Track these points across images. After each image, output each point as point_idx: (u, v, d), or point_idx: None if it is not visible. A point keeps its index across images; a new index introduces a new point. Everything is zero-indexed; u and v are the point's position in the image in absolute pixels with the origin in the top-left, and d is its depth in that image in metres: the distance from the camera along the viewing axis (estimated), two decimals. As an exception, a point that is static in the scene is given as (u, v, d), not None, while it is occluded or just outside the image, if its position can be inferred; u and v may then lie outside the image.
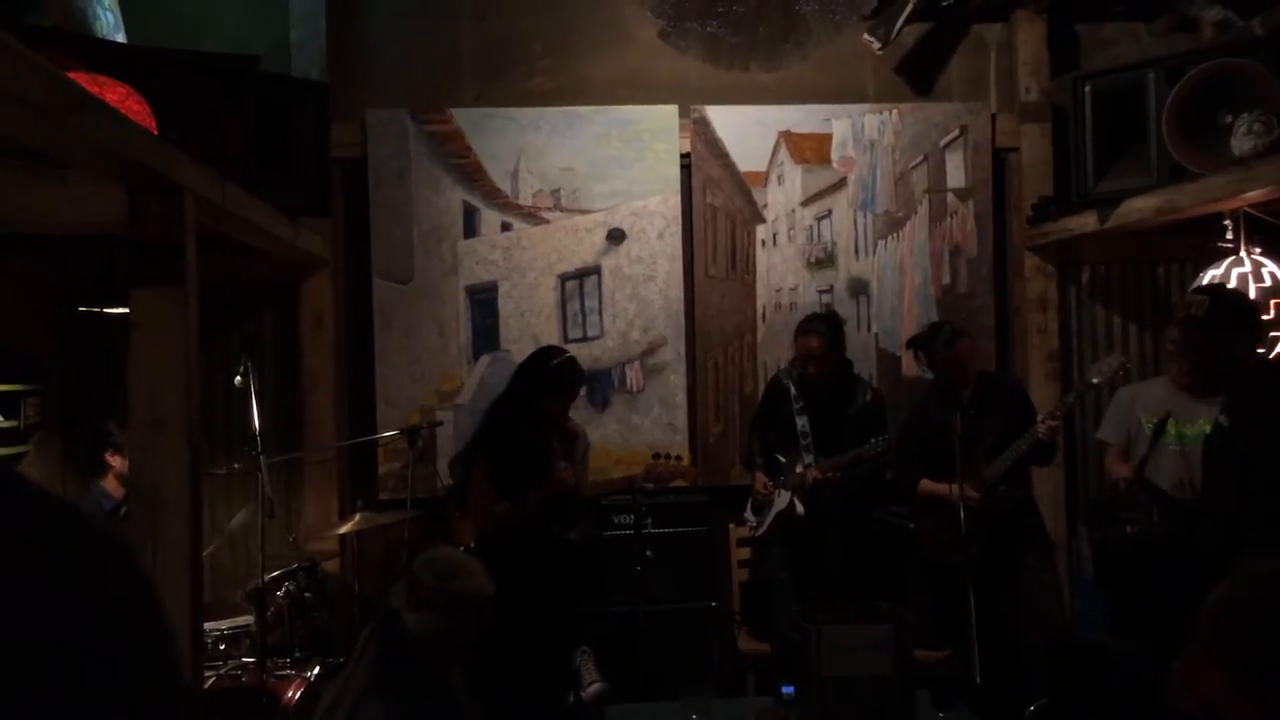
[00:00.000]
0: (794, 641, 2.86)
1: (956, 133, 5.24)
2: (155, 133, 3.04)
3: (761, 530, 4.55)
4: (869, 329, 5.19)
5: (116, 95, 3.01)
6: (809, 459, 4.38)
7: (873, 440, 4.24)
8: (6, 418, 4.36)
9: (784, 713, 2.75)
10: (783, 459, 4.47)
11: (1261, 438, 3.07)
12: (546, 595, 3.73)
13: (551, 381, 3.96)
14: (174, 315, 2.92)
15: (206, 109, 3.60)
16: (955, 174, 5.25)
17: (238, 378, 3.89)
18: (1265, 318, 3.85)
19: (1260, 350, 3.40)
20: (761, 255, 5.23)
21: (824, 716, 2.61)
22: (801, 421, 4.44)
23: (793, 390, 4.49)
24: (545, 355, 4.07)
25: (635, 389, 5.16)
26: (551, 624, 3.77)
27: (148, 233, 2.90)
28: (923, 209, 5.25)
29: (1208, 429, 3.42)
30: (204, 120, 3.56)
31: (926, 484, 4.32)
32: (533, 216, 5.13)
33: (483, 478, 3.92)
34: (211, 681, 3.81)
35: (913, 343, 4.55)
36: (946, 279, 5.24)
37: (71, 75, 2.51)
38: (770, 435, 4.60)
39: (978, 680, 3.34)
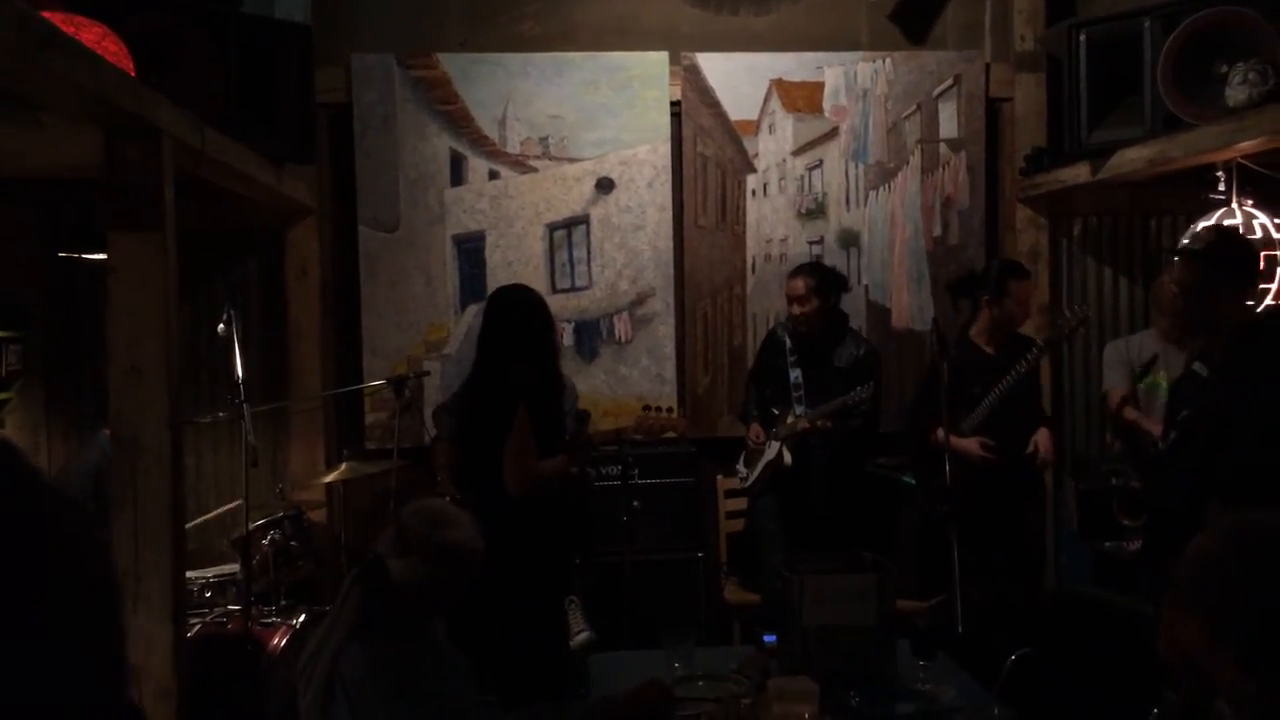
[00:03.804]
0: (778, 591, 2.86)
1: (950, 82, 5.18)
2: (133, 75, 2.98)
3: (750, 481, 4.55)
4: (859, 280, 5.17)
5: (92, 35, 2.95)
6: (800, 410, 4.38)
7: (857, 388, 4.23)
8: (-12, 365, 4.34)
9: (765, 661, 2.75)
10: (776, 412, 4.47)
11: (1244, 390, 3.07)
12: (534, 545, 3.69)
13: (545, 315, 3.72)
14: (152, 261, 2.89)
15: (186, 51, 3.54)
16: (948, 124, 5.20)
17: (221, 326, 3.85)
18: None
19: (1250, 303, 3.41)
20: (752, 205, 5.19)
21: (805, 665, 2.61)
22: (795, 374, 4.45)
23: (787, 343, 4.49)
24: (523, 291, 3.77)
25: (623, 340, 5.14)
26: (539, 573, 3.74)
27: (125, 176, 2.86)
28: (915, 159, 5.21)
29: None
30: (183, 63, 3.51)
31: (956, 442, 4.12)
32: (520, 165, 5.08)
33: (525, 434, 3.50)
34: (197, 629, 3.81)
35: (958, 288, 4.53)
36: (938, 230, 5.21)
37: (46, 15, 2.45)
38: (766, 389, 4.60)
39: (959, 630, 3.35)
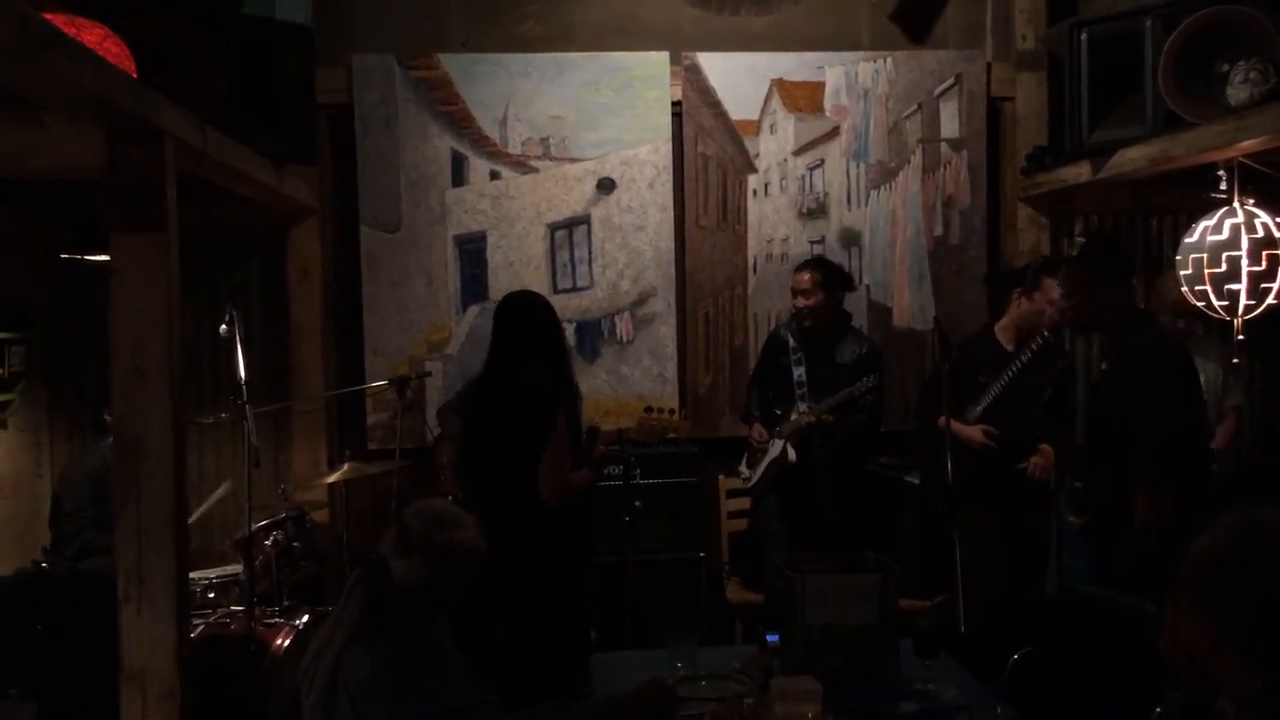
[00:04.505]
0: (780, 590, 2.86)
1: (951, 81, 5.18)
2: (134, 76, 2.98)
3: (754, 481, 4.56)
4: (861, 280, 5.16)
5: (94, 37, 2.95)
6: (803, 407, 4.39)
7: (863, 379, 4.24)
8: (-9, 366, 4.34)
9: (768, 660, 2.75)
10: (779, 412, 4.48)
11: (1136, 383, 3.38)
12: (545, 546, 3.67)
13: (558, 320, 3.72)
14: (155, 262, 2.89)
15: (187, 52, 3.54)
16: (949, 124, 5.20)
17: (223, 327, 3.85)
18: (1256, 268, 3.84)
19: (1135, 301, 3.91)
20: (753, 205, 5.19)
21: (808, 664, 2.61)
22: (798, 372, 4.47)
23: (791, 342, 4.51)
24: (533, 297, 3.77)
25: (625, 340, 5.14)
26: (550, 574, 3.72)
27: (127, 178, 2.86)
28: (916, 159, 5.21)
29: None
30: (185, 64, 3.51)
31: (958, 427, 4.16)
32: (522, 165, 5.08)
33: (564, 443, 3.47)
34: (200, 629, 3.82)
35: (997, 281, 4.61)
36: (939, 230, 5.21)
37: (47, 16, 2.45)
38: (769, 390, 4.61)
39: (962, 629, 3.36)
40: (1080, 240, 3.75)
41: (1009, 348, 4.28)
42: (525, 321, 3.64)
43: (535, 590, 3.50)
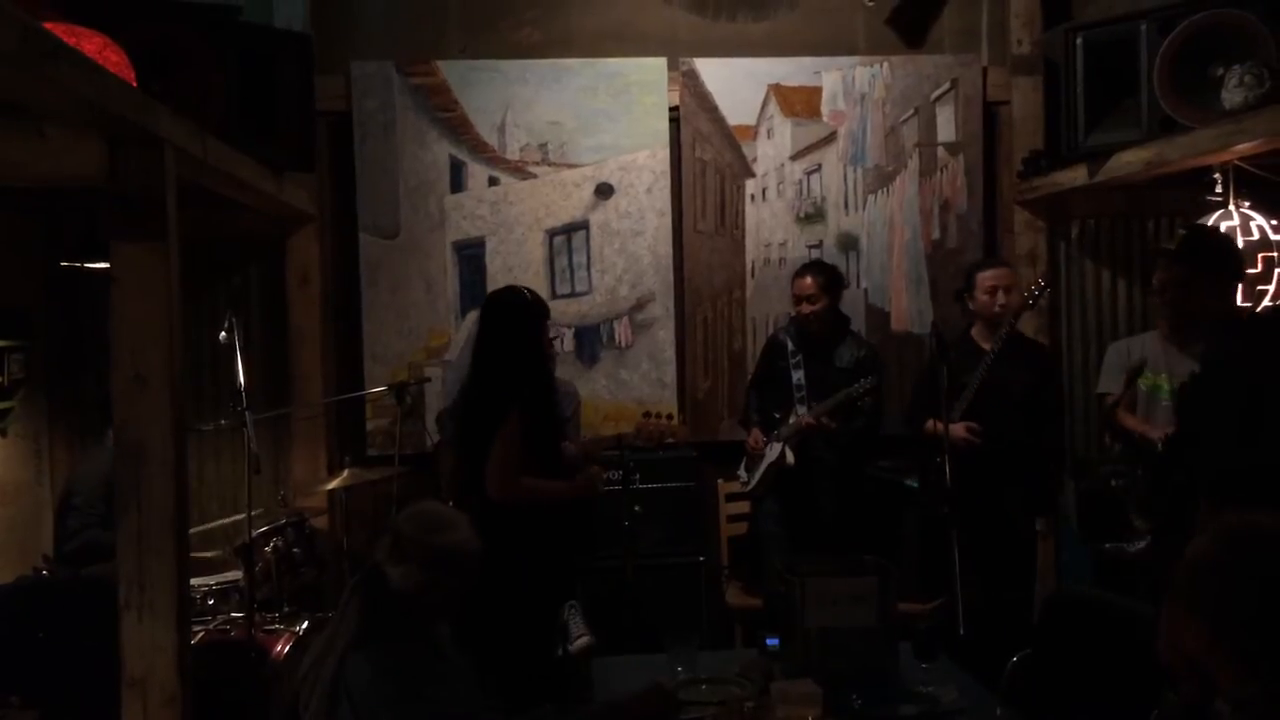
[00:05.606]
0: (780, 594, 2.88)
1: (948, 86, 5.20)
2: (134, 84, 2.99)
3: (752, 484, 4.56)
4: (858, 284, 5.18)
5: (94, 45, 2.96)
6: (802, 410, 4.40)
7: (861, 380, 4.25)
8: (-9, 374, 4.35)
9: (768, 664, 2.76)
10: (778, 415, 4.49)
11: (1220, 390, 3.04)
12: (524, 551, 3.66)
13: (540, 311, 3.66)
14: (155, 270, 2.90)
15: (187, 60, 3.55)
16: (946, 128, 5.21)
17: (222, 334, 3.86)
18: (1251, 270, 3.85)
19: (1241, 299, 3.43)
20: (751, 210, 5.21)
21: (808, 667, 2.62)
22: (797, 375, 4.48)
23: (789, 345, 4.52)
24: (514, 295, 3.69)
25: (624, 345, 5.15)
26: (529, 579, 3.71)
27: (128, 186, 2.87)
28: (913, 163, 5.22)
29: None
30: (184, 72, 3.52)
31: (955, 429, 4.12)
32: (520, 171, 5.09)
33: (509, 443, 3.37)
34: (200, 636, 3.82)
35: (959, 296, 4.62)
36: (936, 234, 5.22)
37: (47, 25, 2.46)
38: (768, 393, 4.62)
39: (961, 632, 3.36)
40: (1181, 232, 3.49)
41: (985, 347, 4.30)
42: (495, 320, 3.61)
43: (502, 594, 3.45)
